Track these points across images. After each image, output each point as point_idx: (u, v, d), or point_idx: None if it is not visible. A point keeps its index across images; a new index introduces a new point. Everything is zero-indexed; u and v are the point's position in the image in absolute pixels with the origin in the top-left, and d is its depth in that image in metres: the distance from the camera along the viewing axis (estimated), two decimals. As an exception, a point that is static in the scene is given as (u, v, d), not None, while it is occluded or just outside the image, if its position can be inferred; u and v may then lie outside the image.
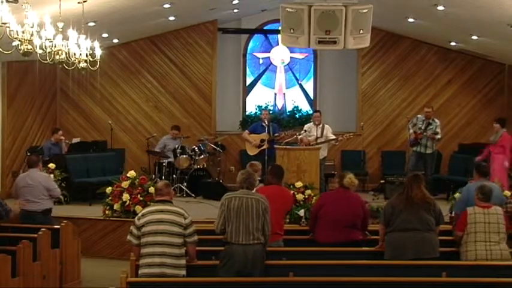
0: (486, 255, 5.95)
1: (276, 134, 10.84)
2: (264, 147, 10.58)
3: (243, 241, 5.44)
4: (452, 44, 12.43)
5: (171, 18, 11.42)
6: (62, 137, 11.24)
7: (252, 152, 11.00)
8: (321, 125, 10.69)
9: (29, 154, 10.56)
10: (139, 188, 8.85)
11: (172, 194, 5.88)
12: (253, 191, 5.77)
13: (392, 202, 6.23)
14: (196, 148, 11.56)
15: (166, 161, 11.62)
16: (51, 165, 10.03)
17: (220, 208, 5.59)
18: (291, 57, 14.01)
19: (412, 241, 5.90)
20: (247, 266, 5.41)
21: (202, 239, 5.87)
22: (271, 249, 6.18)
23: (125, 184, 8.84)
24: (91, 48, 7.46)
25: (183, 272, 5.44)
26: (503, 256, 5.97)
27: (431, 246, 5.95)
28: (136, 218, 5.60)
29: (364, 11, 8.37)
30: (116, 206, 8.87)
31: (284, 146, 10.01)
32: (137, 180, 8.89)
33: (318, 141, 10.47)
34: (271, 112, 12.43)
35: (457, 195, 8.80)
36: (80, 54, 7.23)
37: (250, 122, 12.97)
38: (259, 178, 6.62)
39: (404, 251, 5.90)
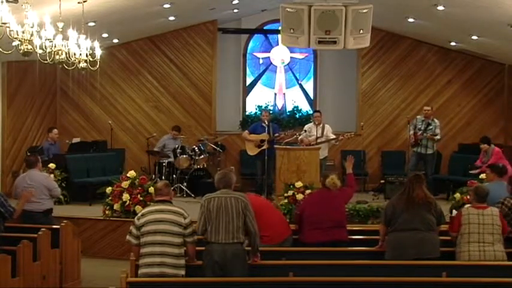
0: (479, 256, 5.89)
1: (276, 134, 10.84)
2: (264, 147, 10.58)
3: (222, 240, 5.40)
4: (452, 44, 12.43)
5: (171, 18, 11.41)
6: (57, 136, 11.28)
7: (252, 152, 11.01)
8: (321, 125, 10.70)
9: (29, 154, 10.57)
10: (139, 188, 8.86)
11: (172, 194, 5.88)
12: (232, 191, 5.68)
13: (394, 202, 6.23)
14: (196, 148, 11.56)
15: (166, 161, 11.62)
16: (51, 165, 10.04)
17: (200, 210, 5.57)
18: (291, 57, 14.01)
19: (412, 241, 5.89)
20: (227, 265, 5.37)
21: (201, 239, 5.87)
22: (272, 249, 6.19)
23: (125, 184, 8.85)
24: (91, 48, 7.46)
25: (182, 272, 5.44)
26: (496, 257, 5.90)
27: (432, 246, 5.94)
28: (136, 218, 5.60)
29: (364, 11, 8.36)
30: (116, 206, 8.87)
31: (284, 146, 10.03)
32: (137, 180, 8.90)
33: (318, 141, 10.48)
34: (271, 112, 12.43)
35: (457, 195, 8.82)
36: (80, 54, 7.23)
37: (250, 122, 12.97)
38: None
39: (405, 250, 5.90)
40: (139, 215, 5.59)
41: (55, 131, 11.37)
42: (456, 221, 6.16)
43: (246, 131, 11.37)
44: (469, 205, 6.54)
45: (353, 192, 7.33)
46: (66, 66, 7.26)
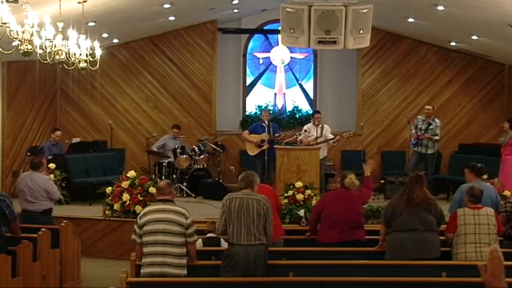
0: (476, 257, 5.85)
1: (276, 134, 10.83)
2: (264, 147, 10.58)
3: (244, 242, 5.42)
4: (452, 44, 12.43)
5: (171, 18, 11.41)
6: (59, 137, 11.30)
7: (252, 152, 11.00)
8: (320, 125, 10.70)
9: (29, 154, 10.58)
10: (139, 188, 8.86)
11: (174, 194, 5.89)
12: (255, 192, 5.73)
13: (393, 202, 6.22)
14: (196, 148, 11.57)
15: (166, 161, 11.62)
16: (51, 165, 10.04)
17: (221, 209, 5.60)
18: (291, 57, 14.01)
19: (413, 241, 5.88)
20: (250, 267, 5.39)
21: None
22: (272, 249, 6.19)
23: (125, 184, 8.85)
24: (91, 48, 7.45)
25: (184, 272, 5.44)
26: None
27: (433, 246, 5.94)
28: (138, 216, 5.60)
29: (364, 11, 8.36)
30: (116, 206, 8.88)
31: (284, 146, 10.01)
32: (137, 180, 8.90)
33: (318, 141, 10.48)
34: (271, 112, 12.43)
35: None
36: (80, 54, 7.22)
37: (250, 122, 12.96)
38: None
39: (405, 251, 5.89)
40: (141, 214, 5.59)
41: (58, 132, 11.37)
42: (453, 222, 6.13)
43: (246, 131, 11.36)
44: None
45: (370, 194, 7.33)
46: (66, 66, 7.26)
